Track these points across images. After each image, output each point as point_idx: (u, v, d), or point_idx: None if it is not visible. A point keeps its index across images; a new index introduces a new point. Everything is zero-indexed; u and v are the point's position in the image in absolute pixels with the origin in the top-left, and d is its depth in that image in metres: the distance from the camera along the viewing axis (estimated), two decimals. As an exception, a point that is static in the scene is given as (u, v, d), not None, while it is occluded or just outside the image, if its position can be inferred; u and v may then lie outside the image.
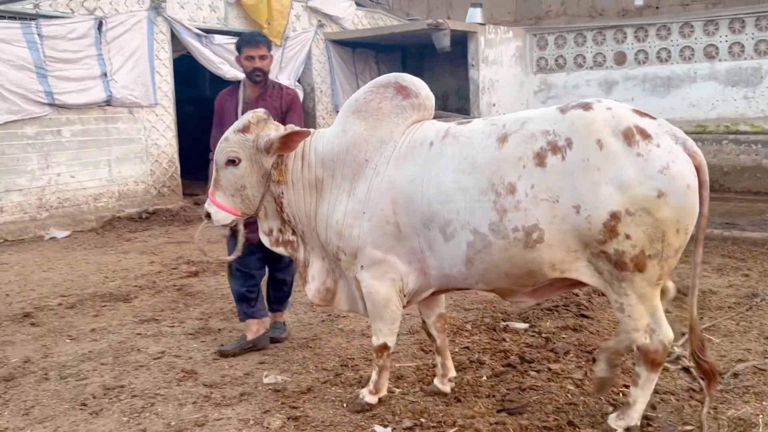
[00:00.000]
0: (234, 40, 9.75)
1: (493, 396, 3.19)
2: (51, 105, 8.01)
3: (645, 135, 2.48)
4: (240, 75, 9.78)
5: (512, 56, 11.34)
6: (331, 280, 3.19)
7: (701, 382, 3.27)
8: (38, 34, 7.80)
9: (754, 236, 6.47)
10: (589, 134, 2.51)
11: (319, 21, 11.30)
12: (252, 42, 3.90)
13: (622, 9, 12.04)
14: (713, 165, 9.86)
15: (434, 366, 3.37)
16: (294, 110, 3.95)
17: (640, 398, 2.70)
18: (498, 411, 3.03)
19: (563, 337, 3.98)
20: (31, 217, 8.00)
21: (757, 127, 9.93)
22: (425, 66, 13.01)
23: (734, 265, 5.60)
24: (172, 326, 4.45)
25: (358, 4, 12.14)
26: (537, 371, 3.47)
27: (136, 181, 9.10)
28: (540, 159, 2.56)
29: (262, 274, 4.06)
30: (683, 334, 3.92)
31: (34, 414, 3.16)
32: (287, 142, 2.99)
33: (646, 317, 2.59)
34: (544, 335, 4.02)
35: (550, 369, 3.49)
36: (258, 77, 3.90)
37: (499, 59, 11.04)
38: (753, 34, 9.87)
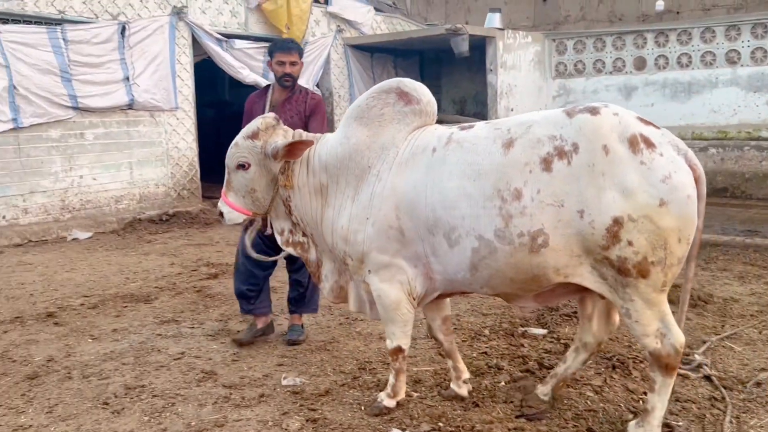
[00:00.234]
0: (254, 44, 10.03)
1: (511, 401, 3.18)
2: (75, 108, 8.16)
3: (649, 144, 2.49)
4: (259, 79, 10.00)
5: (531, 61, 11.30)
6: (343, 280, 3.25)
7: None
8: (63, 39, 7.96)
9: (776, 244, 6.38)
10: (596, 139, 2.51)
11: (338, 26, 11.37)
12: (284, 48, 4.03)
13: (642, 14, 11.96)
14: (735, 171, 9.75)
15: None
16: (316, 114, 4.04)
17: (658, 404, 2.68)
18: (516, 417, 3.02)
19: (582, 344, 3.95)
20: (55, 218, 8.14)
21: (781, 133, 9.79)
22: (443, 71, 13.02)
23: (756, 273, 5.53)
24: (192, 327, 4.50)
25: (377, 10, 12.21)
26: (556, 377, 3.45)
27: (157, 183, 9.21)
28: (547, 164, 2.57)
29: (267, 275, 4.16)
30: (704, 342, 3.89)
31: (58, 412, 3.21)
32: (292, 150, 3.06)
33: (655, 322, 2.58)
34: (563, 341, 4.00)
35: (568, 375, 3.47)
36: (287, 82, 4.03)
37: (517, 64, 11.02)
38: (776, 39, 9.75)
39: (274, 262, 4.10)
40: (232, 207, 3.21)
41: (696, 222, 2.53)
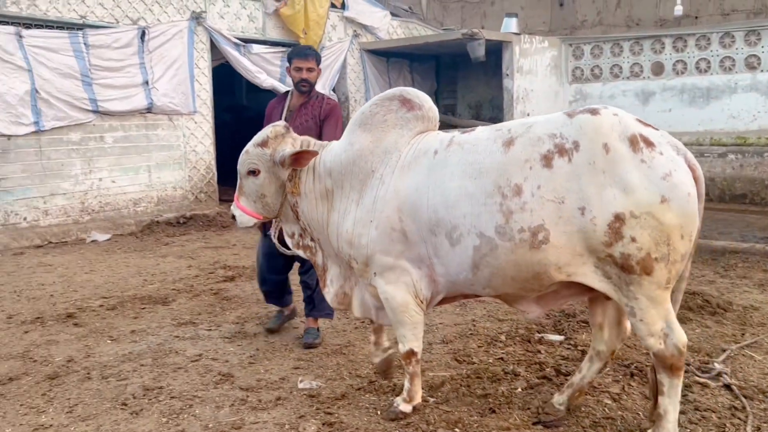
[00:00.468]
0: (271, 49, 10.09)
1: (528, 408, 3.17)
2: (95, 112, 8.27)
3: (649, 143, 2.52)
4: (276, 83, 10.07)
5: (547, 66, 11.27)
6: (348, 286, 3.30)
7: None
8: (84, 44, 8.08)
9: (797, 252, 6.29)
10: (596, 137, 2.54)
11: (355, 31, 11.41)
12: (302, 54, 4.16)
13: (660, 19, 11.87)
14: (754, 178, 9.63)
15: (467, 376, 3.41)
16: (330, 119, 4.14)
17: (670, 407, 2.66)
18: (534, 423, 3.01)
19: (599, 351, 3.93)
20: (74, 220, 8.25)
21: (801, 139, 9.65)
22: (459, 76, 13.01)
23: (777, 281, 5.45)
24: (209, 329, 4.53)
25: (393, 15, 12.24)
26: (573, 384, 3.43)
27: (175, 186, 9.30)
28: (547, 161, 2.59)
29: (283, 279, 4.35)
30: (723, 351, 3.84)
31: (78, 412, 3.26)
32: (299, 159, 3.15)
33: (659, 322, 2.58)
34: (579, 348, 3.98)
35: (586, 382, 3.44)
36: (304, 87, 4.14)
37: (533, 69, 10.99)
38: (797, 44, 9.63)
39: (290, 266, 4.27)
40: (243, 211, 3.32)
41: (697, 220, 2.54)
